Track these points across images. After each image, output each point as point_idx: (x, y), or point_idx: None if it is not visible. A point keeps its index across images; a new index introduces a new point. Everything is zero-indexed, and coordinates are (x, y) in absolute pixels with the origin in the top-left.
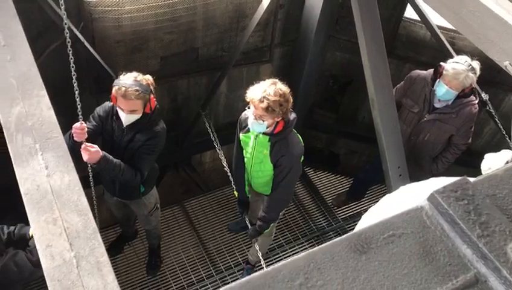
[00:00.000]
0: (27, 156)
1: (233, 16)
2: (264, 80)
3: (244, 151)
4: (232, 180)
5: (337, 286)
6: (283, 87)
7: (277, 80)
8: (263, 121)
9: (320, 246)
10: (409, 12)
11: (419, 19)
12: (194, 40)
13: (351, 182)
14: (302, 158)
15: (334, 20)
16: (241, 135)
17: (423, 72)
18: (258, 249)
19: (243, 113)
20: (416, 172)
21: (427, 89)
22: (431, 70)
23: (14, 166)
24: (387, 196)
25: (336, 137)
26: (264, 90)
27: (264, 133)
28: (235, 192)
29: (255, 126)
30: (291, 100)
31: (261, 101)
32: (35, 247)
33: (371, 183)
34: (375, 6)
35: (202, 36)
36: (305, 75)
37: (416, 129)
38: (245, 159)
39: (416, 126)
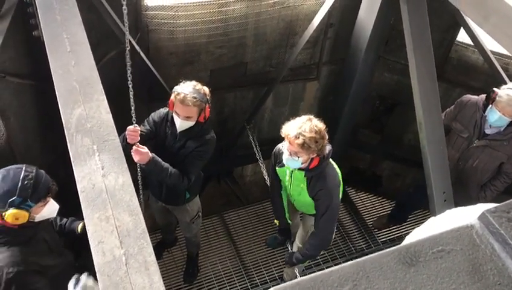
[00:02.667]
0: (85, 156)
1: (284, 33)
2: (310, 98)
3: (281, 181)
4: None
5: None
6: (319, 124)
7: (312, 117)
8: (298, 157)
9: (369, 256)
10: (462, 36)
11: (472, 43)
12: (243, 55)
13: (393, 205)
14: (342, 188)
15: (384, 41)
16: (277, 168)
17: (474, 97)
18: (296, 272)
19: (277, 147)
20: (463, 199)
21: (478, 114)
22: (483, 96)
23: (72, 165)
24: (433, 218)
25: (379, 158)
26: (300, 127)
27: (299, 169)
28: (275, 221)
29: (290, 162)
30: (327, 136)
31: (297, 138)
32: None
33: (414, 207)
34: (427, 29)
35: (251, 51)
36: (351, 95)
37: (465, 155)
38: (285, 189)
39: (465, 151)
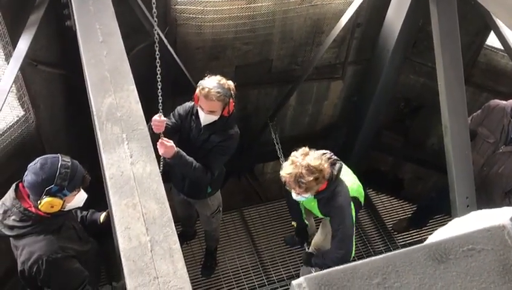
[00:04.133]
0: (114, 144)
1: (310, 31)
2: (333, 98)
3: None
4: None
5: (414, 289)
6: (313, 160)
7: (306, 151)
8: (305, 195)
9: (399, 251)
10: (491, 40)
11: (502, 47)
12: (269, 52)
13: (414, 208)
14: (353, 206)
15: (412, 43)
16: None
17: (502, 102)
18: (313, 271)
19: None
20: (486, 205)
21: (505, 120)
22: (511, 101)
23: (101, 152)
24: (457, 219)
25: (402, 161)
26: (296, 174)
27: None
28: (293, 222)
29: (299, 199)
30: (326, 165)
31: (299, 187)
32: None
33: (435, 212)
34: (456, 32)
35: (277, 49)
36: (376, 96)
37: (490, 160)
38: None
39: (491, 157)
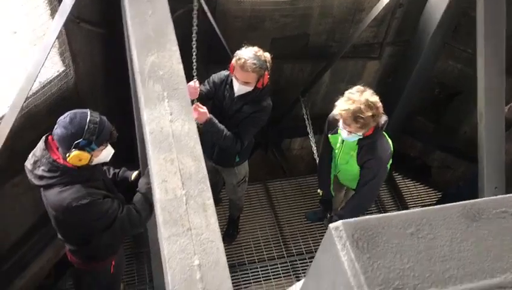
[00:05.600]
0: (155, 101)
1: (351, 8)
2: (368, 78)
3: (333, 150)
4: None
5: (446, 242)
6: (371, 96)
7: (365, 88)
8: (352, 133)
9: (432, 207)
10: None
11: None
12: (307, 26)
13: (439, 196)
14: (390, 162)
15: (453, 27)
16: (330, 135)
17: None
18: None
19: (332, 114)
20: None
21: None
22: None
23: (142, 108)
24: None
25: (431, 148)
26: (356, 107)
27: None
28: (319, 190)
29: (350, 138)
30: (381, 108)
31: (356, 121)
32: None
33: (461, 200)
34: (502, 18)
35: (316, 24)
36: (412, 79)
37: None
38: (334, 158)
39: None
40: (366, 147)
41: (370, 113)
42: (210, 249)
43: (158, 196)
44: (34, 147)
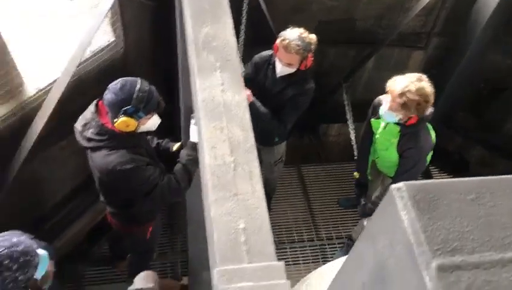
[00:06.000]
0: (208, 71)
1: None
2: (412, 68)
3: (373, 135)
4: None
5: (506, 210)
6: (427, 87)
7: (423, 76)
8: (396, 114)
9: (494, 177)
10: None
11: None
12: (354, 11)
13: None
14: (430, 155)
15: (504, 21)
16: (372, 120)
17: None
18: (365, 224)
19: (377, 98)
20: None
21: None
22: None
23: (195, 77)
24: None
25: (471, 143)
26: (407, 86)
27: (395, 123)
28: (355, 173)
29: (387, 116)
30: (432, 101)
31: (400, 96)
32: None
33: None
34: None
35: (364, 9)
36: (457, 72)
37: None
38: (374, 143)
39: None
40: (408, 136)
41: (417, 98)
42: (255, 214)
43: (207, 161)
44: (82, 113)
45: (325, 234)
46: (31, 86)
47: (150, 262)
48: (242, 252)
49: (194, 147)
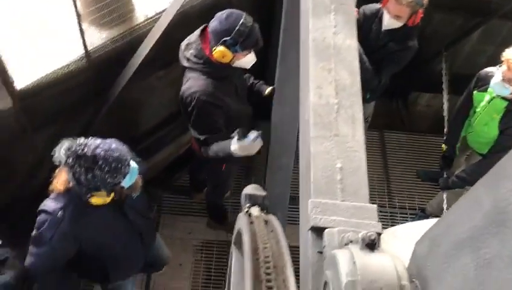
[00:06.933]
0: (322, 12)
1: None
2: None
3: (472, 108)
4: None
5: None
6: None
7: None
8: (510, 85)
9: None
10: None
11: None
12: None
13: None
14: None
15: None
16: (475, 92)
17: None
18: (444, 197)
19: (485, 70)
20: None
21: None
22: None
23: (309, 17)
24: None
25: None
26: None
27: (503, 98)
28: (443, 145)
29: (498, 87)
30: None
31: None
32: None
33: None
34: None
35: None
36: None
37: None
38: (471, 117)
39: None
40: None
41: None
42: (353, 157)
43: (312, 99)
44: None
45: (398, 202)
46: (141, 14)
47: (223, 197)
48: (336, 189)
49: (228, 151)
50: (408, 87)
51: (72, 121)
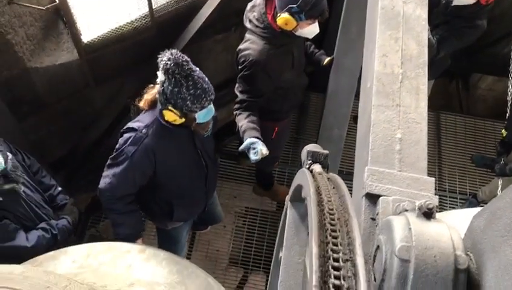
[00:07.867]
0: None
1: None
2: None
3: None
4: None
5: None
6: None
7: None
8: None
9: None
10: None
11: None
12: None
13: None
14: None
15: None
16: None
17: None
18: (499, 183)
19: None
20: None
21: None
22: None
23: None
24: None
25: None
26: None
27: None
28: (503, 130)
29: None
30: None
31: None
32: None
33: None
34: None
35: None
36: None
37: None
38: None
39: None
40: None
41: None
42: (414, 128)
43: (376, 67)
44: (239, 13)
45: (449, 186)
46: None
47: (272, 166)
48: (394, 159)
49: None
50: (470, 68)
51: (132, 79)
